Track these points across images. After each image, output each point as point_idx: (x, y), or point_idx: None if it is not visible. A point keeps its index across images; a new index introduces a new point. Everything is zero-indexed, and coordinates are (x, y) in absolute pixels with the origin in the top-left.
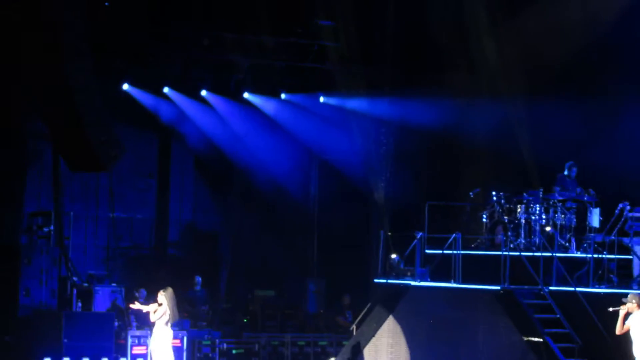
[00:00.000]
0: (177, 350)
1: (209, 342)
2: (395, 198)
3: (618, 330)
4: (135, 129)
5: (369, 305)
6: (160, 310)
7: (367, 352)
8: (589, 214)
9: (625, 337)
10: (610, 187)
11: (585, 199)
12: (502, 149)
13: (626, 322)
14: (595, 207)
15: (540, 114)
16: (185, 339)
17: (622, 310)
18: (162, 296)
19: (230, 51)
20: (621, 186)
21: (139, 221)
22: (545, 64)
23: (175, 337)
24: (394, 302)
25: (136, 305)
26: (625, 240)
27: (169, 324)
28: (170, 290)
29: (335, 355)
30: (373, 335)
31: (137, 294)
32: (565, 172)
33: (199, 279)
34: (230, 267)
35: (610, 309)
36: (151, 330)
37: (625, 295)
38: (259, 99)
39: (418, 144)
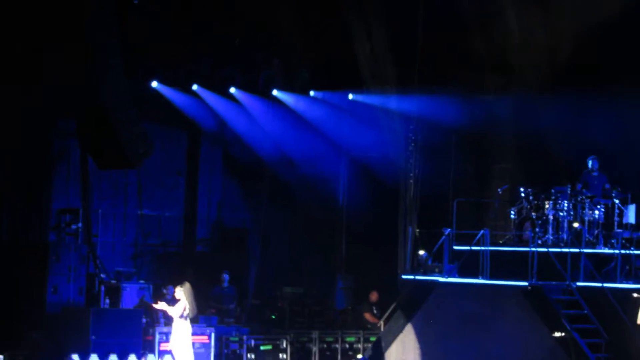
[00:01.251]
0: (204, 347)
1: (236, 339)
2: (423, 195)
3: (638, 319)
4: (164, 127)
5: (396, 301)
6: (180, 305)
7: (395, 348)
8: (625, 211)
9: None
10: None
11: (613, 194)
12: (530, 145)
13: None
14: (631, 203)
15: (569, 108)
16: (213, 335)
17: None
18: (180, 291)
19: (260, 49)
20: None
21: (167, 219)
22: (574, 60)
23: (203, 334)
24: (422, 298)
25: (159, 305)
26: None
27: (188, 319)
28: (188, 285)
29: (363, 352)
30: (401, 332)
31: (165, 291)
32: (589, 167)
33: (226, 276)
34: (259, 264)
35: (635, 295)
36: None
37: None
38: (288, 97)
39: (446, 140)
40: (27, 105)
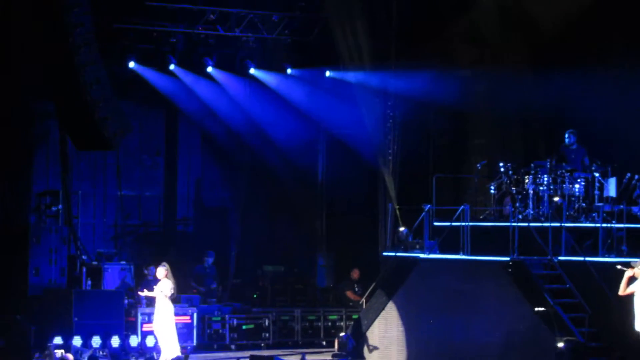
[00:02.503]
0: (187, 327)
1: (219, 318)
2: (402, 171)
3: (621, 291)
4: (141, 106)
5: (378, 278)
6: (167, 285)
7: (377, 325)
8: (605, 184)
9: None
10: (621, 157)
11: (593, 167)
12: (509, 120)
13: (630, 286)
14: (611, 176)
15: (547, 82)
16: (195, 315)
17: (628, 273)
18: (163, 270)
19: (236, 27)
20: (632, 156)
21: (147, 198)
22: (551, 31)
23: (185, 314)
24: (403, 275)
25: (145, 293)
26: (635, 209)
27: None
28: (167, 265)
29: (345, 330)
30: (383, 309)
31: (146, 272)
32: (566, 141)
33: (210, 256)
34: (239, 243)
35: (618, 267)
36: None
37: None
38: (265, 75)
39: (424, 116)
40: (5, 86)
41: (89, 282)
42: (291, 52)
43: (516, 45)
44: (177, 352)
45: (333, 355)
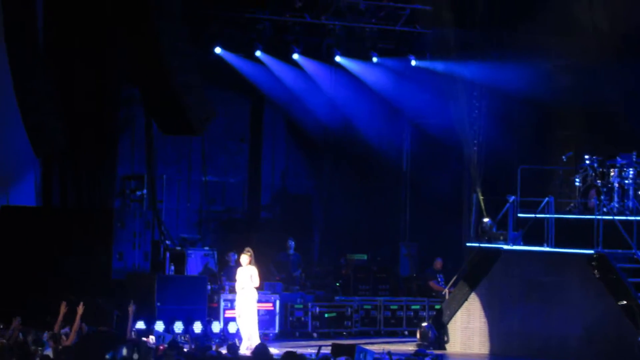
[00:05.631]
0: (269, 314)
1: (301, 306)
2: (487, 162)
3: None
4: (227, 92)
5: (461, 269)
6: (255, 271)
7: (460, 316)
8: None
9: None
10: None
11: None
12: (596, 112)
13: None
14: None
15: (635, 75)
16: (277, 302)
17: None
18: (247, 256)
19: (322, 14)
20: None
21: (232, 185)
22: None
23: (267, 301)
24: (486, 265)
25: (237, 284)
26: None
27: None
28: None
29: (428, 320)
30: (466, 300)
31: (227, 258)
32: None
33: (292, 242)
34: (323, 231)
35: None
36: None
37: None
38: (350, 62)
39: (510, 107)
40: (92, 71)
41: (172, 268)
42: (377, 40)
43: (604, 37)
44: (257, 340)
45: (415, 345)
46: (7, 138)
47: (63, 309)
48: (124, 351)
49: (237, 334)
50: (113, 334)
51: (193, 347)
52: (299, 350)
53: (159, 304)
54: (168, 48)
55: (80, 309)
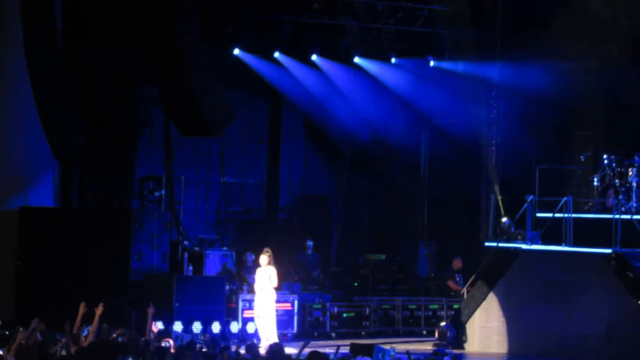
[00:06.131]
0: (288, 314)
1: (320, 306)
2: (506, 161)
3: None
4: (245, 94)
5: (480, 269)
6: (274, 272)
7: (478, 315)
8: None
9: None
10: None
11: None
12: (614, 112)
13: None
14: None
15: None
16: (296, 302)
17: None
18: (266, 257)
19: (341, 15)
20: None
21: (250, 185)
22: None
23: (286, 301)
24: (505, 265)
25: (256, 285)
26: None
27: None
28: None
29: (446, 320)
30: (484, 299)
31: (244, 258)
32: None
33: (310, 242)
34: (341, 231)
35: None
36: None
37: None
38: (369, 63)
39: (529, 106)
40: (110, 72)
41: (191, 268)
42: (395, 41)
43: (623, 37)
44: (275, 340)
45: (434, 345)
46: (25, 139)
47: (82, 309)
48: None
49: (256, 334)
50: (120, 343)
51: (211, 347)
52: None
53: (177, 304)
54: (187, 49)
55: (98, 310)
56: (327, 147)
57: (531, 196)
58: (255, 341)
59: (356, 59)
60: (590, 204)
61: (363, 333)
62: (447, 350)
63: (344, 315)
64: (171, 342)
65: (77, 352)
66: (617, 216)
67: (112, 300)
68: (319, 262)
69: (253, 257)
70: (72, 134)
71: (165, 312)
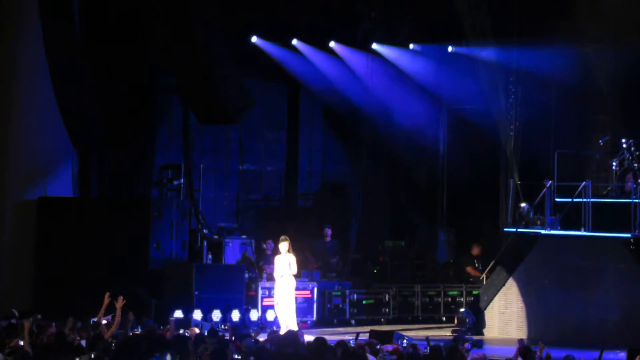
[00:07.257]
0: (307, 301)
1: (339, 293)
2: (524, 147)
3: None
4: (263, 81)
5: (499, 254)
6: (293, 259)
7: (498, 301)
8: None
9: None
10: None
11: None
12: (632, 96)
13: None
14: None
15: None
16: (315, 290)
17: None
18: (286, 244)
19: (358, 1)
20: None
21: (269, 173)
22: None
23: (305, 289)
24: (524, 250)
25: (275, 272)
26: None
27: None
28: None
29: (465, 306)
30: (503, 285)
31: (264, 245)
32: None
33: (329, 230)
34: (360, 218)
35: None
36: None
37: None
38: (387, 50)
39: (547, 92)
40: (129, 61)
41: (210, 256)
42: (414, 27)
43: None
44: (295, 327)
45: (452, 331)
46: (44, 129)
47: (107, 299)
48: (168, 358)
49: (275, 322)
50: (153, 339)
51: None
52: (337, 338)
53: (196, 292)
54: (205, 38)
55: (120, 302)
56: (346, 134)
57: (550, 181)
58: (275, 329)
59: (374, 46)
60: (609, 188)
61: (382, 320)
62: (467, 336)
63: (363, 302)
64: (196, 330)
65: (118, 345)
66: (636, 200)
67: (132, 289)
68: (338, 249)
69: (272, 244)
70: (91, 123)
71: (185, 301)
